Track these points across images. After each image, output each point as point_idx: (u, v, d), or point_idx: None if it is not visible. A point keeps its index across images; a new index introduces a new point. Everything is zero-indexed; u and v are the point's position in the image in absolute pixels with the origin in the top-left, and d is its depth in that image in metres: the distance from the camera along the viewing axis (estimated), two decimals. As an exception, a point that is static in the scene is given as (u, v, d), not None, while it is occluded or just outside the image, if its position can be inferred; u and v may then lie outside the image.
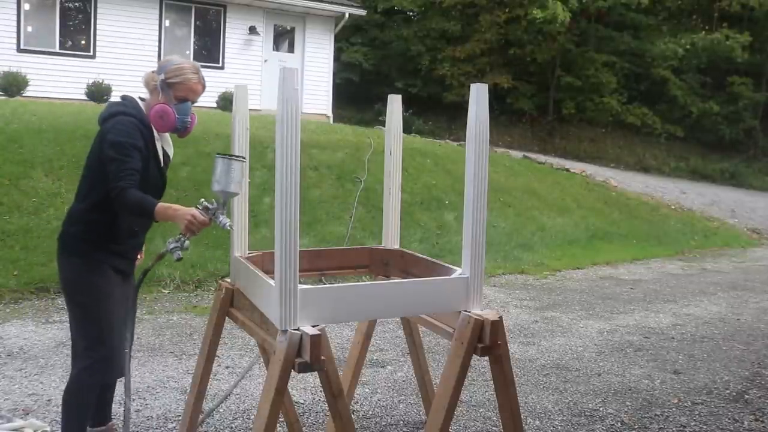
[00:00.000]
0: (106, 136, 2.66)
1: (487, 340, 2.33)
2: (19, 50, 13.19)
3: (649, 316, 6.28)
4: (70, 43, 14.06)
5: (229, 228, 2.62)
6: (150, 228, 2.99)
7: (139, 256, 3.07)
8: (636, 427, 3.74)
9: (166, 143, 2.93)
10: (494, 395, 2.60)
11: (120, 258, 2.83)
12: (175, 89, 2.75)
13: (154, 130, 2.78)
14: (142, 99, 2.84)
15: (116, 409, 3.50)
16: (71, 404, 2.79)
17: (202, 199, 2.61)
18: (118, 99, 2.88)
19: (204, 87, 2.85)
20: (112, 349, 2.75)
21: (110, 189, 2.58)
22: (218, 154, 2.59)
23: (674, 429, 3.74)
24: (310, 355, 2.11)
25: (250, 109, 2.85)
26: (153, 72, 2.82)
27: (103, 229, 2.74)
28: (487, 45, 21.98)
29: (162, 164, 2.87)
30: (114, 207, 2.68)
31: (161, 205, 2.57)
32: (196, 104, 2.89)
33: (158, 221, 2.62)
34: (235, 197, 2.68)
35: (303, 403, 3.82)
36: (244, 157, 2.67)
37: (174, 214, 2.55)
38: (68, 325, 2.86)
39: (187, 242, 2.62)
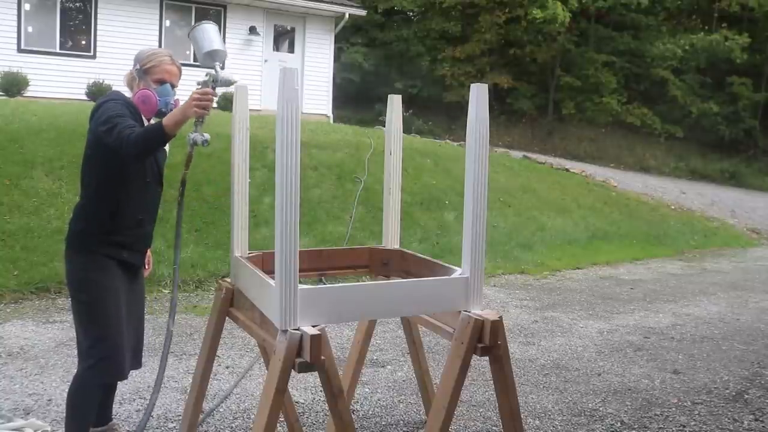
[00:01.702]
0: (97, 120, 2.67)
1: (487, 340, 2.34)
2: (20, 50, 13.20)
3: (648, 316, 6.28)
4: (70, 43, 14.07)
5: (233, 79, 2.63)
6: (156, 219, 2.98)
7: (147, 267, 3.07)
8: (636, 426, 3.75)
9: None
10: (494, 395, 2.60)
11: (127, 250, 2.81)
12: (151, 73, 2.80)
13: (144, 120, 2.79)
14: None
15: (116, 409, 3.51)
16: (75, 404, 2.78)
17: (197, 81, 2.61)
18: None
19: (180, 69, 2.88)
20: (116, 347, 2.74)
21: (118, 147, 2.55)
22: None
23: (674, 429, 3.74)
24: (310, 354, 2.11)
25: (250, 109, 2.85)
26: (130, 70, 2.88)
27: (106, 218, 2.74)
28: (487, 45, 22.02)
29: (157, 154, 2.87)
30: (112, 193, 2.69)
31: (165, 117, 2.56)
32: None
33: (174, 133, 2.54)
34: (225, 58, 2.66)
35: (303, 403, 3.82)
36: (213, 21, 2.70)
37: (179, 110, 2.54)
38: (69, 324, 2.87)
39: (207, 135, 2.67)
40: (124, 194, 2.75)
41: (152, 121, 2.91)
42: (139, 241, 2.90)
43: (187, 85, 3.00)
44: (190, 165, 2.93)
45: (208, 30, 2.60)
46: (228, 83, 2.62)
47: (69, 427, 2.80)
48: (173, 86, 2.85)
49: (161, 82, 2.81)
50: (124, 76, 2.90)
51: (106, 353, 2.72)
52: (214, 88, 2.57)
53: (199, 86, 2.58)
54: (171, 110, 2.82)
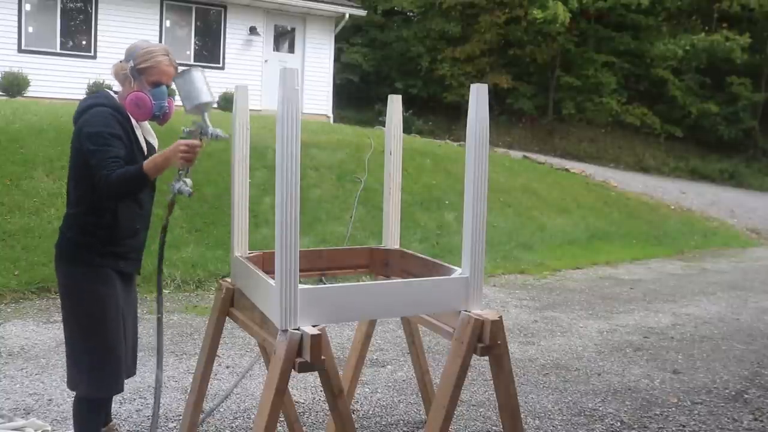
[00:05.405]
0: (82, 130, 2.57)
1: (487, 339, 2.34)
2: (21, 50, 13.20)
3: (648, 316, 6.29)
4: (71, 43, 14.07)
5: (222, 136, 2.56)
6: (149, 227, 2.97)
7: None
8: (635, 426, 3.75)
9: (148, 133, 2.83)
10: (494, 395, 2.61)
11: (121, 260, 2.76)
12: (147, 74, 2.64)
13: (133, 120, 2.69)
14: (114, 92, 2.75)
15: (116, 408, 3.52)
16: (83, 418, 2.74)
17: (183, 127, 2.54)
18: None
19: (176, 69, 2.71)
20: (119, 359, 2.70)
21: (96, 181, 2.51)
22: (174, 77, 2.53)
23: (674, 428, 3.75)
24: (310, 354, 2.11)
25: (250, 110, 2.85)
26: (121, 62, 2.71)
27: (101, 230, 2.66)
28: (487, 45, 22.00)
29: (146, 154, 2.75)
30: (107, 204, 2.62)
31: (146, 162, 2.50)
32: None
33: (153, 178, 2.52)
34: (212, 106, 2.57)
35: (303, 403, 3.83)
36: (201, 67, 2.60)
37: (164, 158, 2.49)
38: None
39: (189, 180, 2.60)
40: (120, 206, 2.67)
41: (146, 126, 2.84)
42: (135, 250, 2.84)
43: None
44: (172, 210, 2.85)
45: (196, 79, 2.46)
46: (217, 138, 2.53)
47: None
48: (168, 86, 2.72)
49: (156, 84, 2.67)
50: (112, 67, 2.73)
51: (112, 367, 2.68)
52: (200, 140, 2.50)
53: (185, 133, 2.49)
54: (165, 113, 2.72)
